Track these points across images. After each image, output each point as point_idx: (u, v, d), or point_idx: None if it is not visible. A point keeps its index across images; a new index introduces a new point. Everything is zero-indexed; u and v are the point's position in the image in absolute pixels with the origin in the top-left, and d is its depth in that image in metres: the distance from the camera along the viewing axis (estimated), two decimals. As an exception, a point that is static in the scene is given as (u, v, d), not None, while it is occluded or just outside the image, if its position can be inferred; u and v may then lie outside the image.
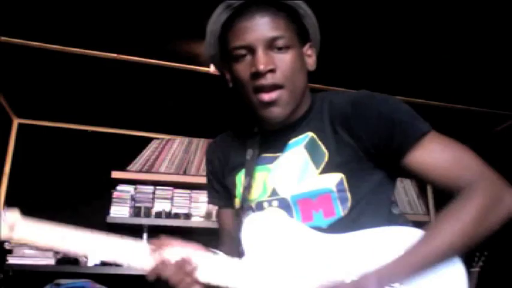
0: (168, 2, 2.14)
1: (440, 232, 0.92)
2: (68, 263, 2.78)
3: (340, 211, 1.00)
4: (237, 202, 1.14)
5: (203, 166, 3.26)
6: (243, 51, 1.01)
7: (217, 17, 1.07)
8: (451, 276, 0.93)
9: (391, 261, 0.91)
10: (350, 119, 1.01)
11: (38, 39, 2.40)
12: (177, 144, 3.31)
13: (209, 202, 1.28)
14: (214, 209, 3.14)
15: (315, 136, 1.05)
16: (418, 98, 2.93)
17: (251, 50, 1.00)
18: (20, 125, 3.20)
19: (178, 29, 2.35)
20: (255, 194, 1.09)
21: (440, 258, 0.92)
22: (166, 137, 3.37)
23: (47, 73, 2.72)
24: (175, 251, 0.96)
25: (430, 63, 2.63)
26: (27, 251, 2.73)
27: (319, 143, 1.04)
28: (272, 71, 0.99)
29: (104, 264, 2.83)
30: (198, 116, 3.18)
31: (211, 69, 2.62)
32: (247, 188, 1.09)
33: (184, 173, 3.22)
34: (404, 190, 3.53)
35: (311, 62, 1.10)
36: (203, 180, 3.58)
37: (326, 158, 1.01)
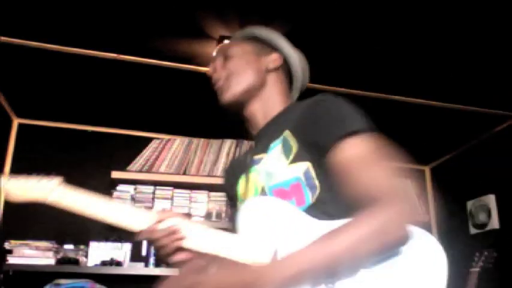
0: (168, 2, 2.14)
1: (330, 243, 0.90)
2: (68, 263, 2.78)
3: (310, 199, 1.04)
4: (239, 206, 1.20)
5: (203, 166, 3.27)
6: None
7: None
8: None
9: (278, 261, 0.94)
10: (305, 117, 1.09)
11: (38, 39, 2.40)
12: (177, 144, 3.32)
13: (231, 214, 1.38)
14: (214, 209, 3.15)
15: (288, 134, 1.13)
16: (418, 98, 2.93)
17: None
18: (20, 125, 3.21)
19: (178, 29, 2.35)
20: (250, 195, 1.17)
21: (328, 265, 0.89)
22: (166, 137, 3.38)
23: (47, 73, 2.72)
24: (171, 220, 1.06)
25: (430, 63, 2.63)
26: (27, 251, 2.73)
27: (291, 137, 1.11)
28: (214, 72, 1.29)
29: (104, 264, 2.83)
30: (198, 116, 3.18)
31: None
32: (246, 190, 1.19)
33: (184, 173, 3.22)
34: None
35: (269, 62, 1.27)
36: (203, 180, 3.60)
37: (294, 150, 1.09)
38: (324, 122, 1.03)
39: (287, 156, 1.09)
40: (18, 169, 3.07)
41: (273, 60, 1.28)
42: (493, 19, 2.26)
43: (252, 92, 1.24)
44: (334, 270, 0.90)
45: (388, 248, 0.91)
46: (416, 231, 0.95)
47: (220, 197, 3.21)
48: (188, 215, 3.10)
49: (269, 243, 0.99)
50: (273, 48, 1.30)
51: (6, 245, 2.73)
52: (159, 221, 1.06)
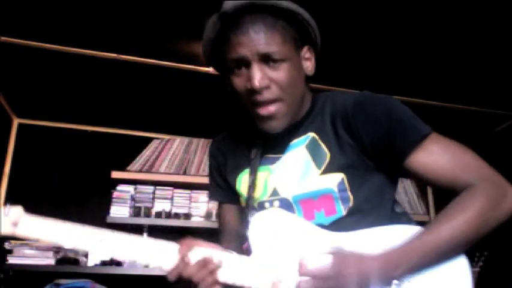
0: (168, 2, 2.14)
1: (444, 225, 0.92)
2: (68, 263, 2.78)
3: (342, 210, 1.01)
4: (242, 201, 1.16)
5: (203, 166, 3.26)
6: (238, 64, 1.01)
7: (213, 26, 1.05)
8: (454, 273, 0.95)
9: (397, 247, 0.91)
10: (351, 119, 1.01)
11: (38, 39, 2.40)
12: (177, 144, 3.31)
13: (210, 198, 1.28)
14: (214, 208, 3.14)
15: (316, 137, 1.05)
16: (418, 98, 2.93)
17: (246, 63, 1.00)
18: (20, 125, 3.20)
19: (178, 29, 2.35)
20: (257, 194, 1.10)
21: (444, 250, 0.92)
22: (166, 137, 3.37)
23: (47, 73, 2.72)
24: (198, 250, 0.94)
25: (430, 63, 2.63)
26: (27, 251, 2.73)
27: (321, 143, 1.04)
28: (268, 87, 0.99)
29: (104, 264, 2.83)
30: (198, 116, 3.18)
31: (211, 69, 2.62)
32: (252, 187, 1.10)
33: (184, 173, 3.22)
34: (404, 190, 3.52)
35: (310, 65, 1.08)
36: (203, 180, 3.58)
37: (328, 159, 1.02)
38: (391, 126, 0.98)
39: (318, 164, 1.03)
40: (18, 169, 3.07)
41: (309, 58, 1.08)
42: (493, 19, 2.26)
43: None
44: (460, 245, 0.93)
45: (499, 217, 0.94)
46: (420, 229, 0.97)
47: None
48: (187, 216, 3.10)
49: (290, 263, 0.93)
50: (301, 35, 1.06)
51: (6, 245, 2.73)
52: (185, 254, 0.93)
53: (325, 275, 0.88)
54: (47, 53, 2.47)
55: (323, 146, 1.04)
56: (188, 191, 3.21)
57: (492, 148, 3.28)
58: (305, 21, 1.05)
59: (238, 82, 1.03)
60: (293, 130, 1.08)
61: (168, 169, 3.21)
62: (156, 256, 0.94)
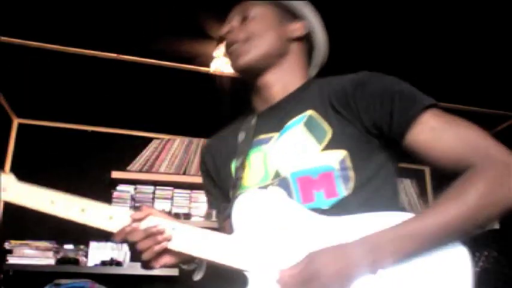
0: (168, 2, 2.14)
1: (442, 211, 0.85)
2: (68, 263, 2.78)
3: (343, 191, 0.94)
4: (230, 192, 1.10)
5: (203, 166, 3.26)
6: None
7: None
8: (452, 266, 0.86)
9: (388, 231, 0.85)
10: (350, 98, 0.98)
11: (38, 39, 2.40)
12: (177, 144, 3.31)
13: (209, 207, 1.25)
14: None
15: (315, 114, 1.01)
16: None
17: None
18: (20, 125, 3.20)
19: (178, 29, 2.35)
20: (257, 179, 1.03)
21: (439, 236, 0.84)
22: (166, 137, 3.37)
23: (47, 73, 2.72)
24: (151, 219, 0.94)
25: (430, 63, 2.63)
26: (27, 251, 2.73)
27: (321, 120, 1.00)
28: (232, 31, 1.12)
29: (104, 264, 2.83)
30: (198, 116, 3.18)
31: (211, 69, 2.62)
32: (240, 168, 1.06)
33: (184, 173, 3.22)
34: (405, 190, 3.53)
35: (295, 30, 1.14)
36: (203, 180, 3.54)
37: (329, 135, 0.97)
38: (391, 102, 0.93)
39: (319, 140, 0.97)
40: (18, 169, 3.07)
41: (297, 28, 1.13)
42: (493, 19, 2.26)
43: (271, 59, 1.09)
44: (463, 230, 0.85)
45: (506, 202, 0.85)
46: None
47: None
48: (187, 216, 3.10)
49: (267, 246, 0.90)
50: (296, 16, 1.15)
51: (6, 245, 2.73)
52: (138, 220, 0.94)
53: (300, 281, 0.83)
54: (47, 53, 2.47)
55: (323, 122, 0.99)
56: (188, 191, 3.21)
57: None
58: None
59: None
60: (290, 107, 1.06)
61: (168, 169, 3.21)
62: (106, 219, 0.96)
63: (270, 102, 1.11)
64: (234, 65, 1.12)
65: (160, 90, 2.93)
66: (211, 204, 1.22)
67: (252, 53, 1.08)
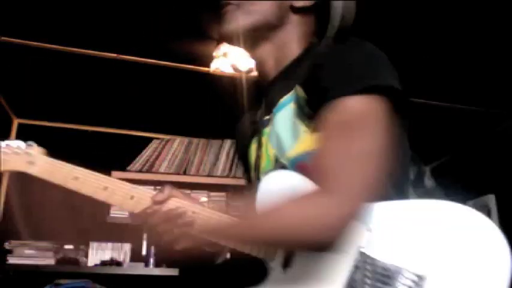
0: (168, 2, 2.14)
1: (261, 220, 0.83)
2: (68, 263, 2.78)
3: None
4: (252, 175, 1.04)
5: (203, 166, 3.27)
6: None
7: None
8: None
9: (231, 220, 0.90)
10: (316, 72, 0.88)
11: (38, 39, 2.40)
12: (177, 144, 3.31)
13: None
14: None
15: (300, 89, 0.90)
16: (419, 98, 2.93)
17: None
18: (20, 125, 3.20)
19: (178, 29, 2.35)
20: (263, 164, 0.98)
21: (261, 241, 0.86)
22: (166, 137, 3.37)
23: (47, 73, 2.72)
24: (173, 202, 0.94)
25: (430, 62, 2.63)
26: (27, 251, 2.73)
27: (307, 97, 0.89)
28: None
29: (104, 264, 2.83)
30: (198, 116, 3.18)
31: (211, 69, 2.62)
32: (258, 156, 1.00)
33: (184, 173, 3.22)
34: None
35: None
36: (203, 180, 3.58)
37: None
38: (330, 73, 0.83)
39: (309, 121, 0.87)
40: (18, 169, 3.06)
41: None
42: (493, 19, 2.26)
43: (264, 30, 0.98)
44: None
45: (306, 243, 0.78)
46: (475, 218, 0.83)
47: (220, 197, 3.21)
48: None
49: None
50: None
51: (6, 245, 2.73)
52: (159, 202, 0.93)
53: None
54: (47, 53, 2.47)
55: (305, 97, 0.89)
56: (188, 191, 3.20)
57: (492, 148, 3.29)
58: None
59: None
60: (282, 84, 0.96)
61: (168, 169, 3.21)
62: (127, 199, 0.96)
63: (266, 79, 1.01)
64: (220, 30, 1.00)
65: (160, 90, 2.93)
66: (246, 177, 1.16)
67: (242, 19, 0.97)
